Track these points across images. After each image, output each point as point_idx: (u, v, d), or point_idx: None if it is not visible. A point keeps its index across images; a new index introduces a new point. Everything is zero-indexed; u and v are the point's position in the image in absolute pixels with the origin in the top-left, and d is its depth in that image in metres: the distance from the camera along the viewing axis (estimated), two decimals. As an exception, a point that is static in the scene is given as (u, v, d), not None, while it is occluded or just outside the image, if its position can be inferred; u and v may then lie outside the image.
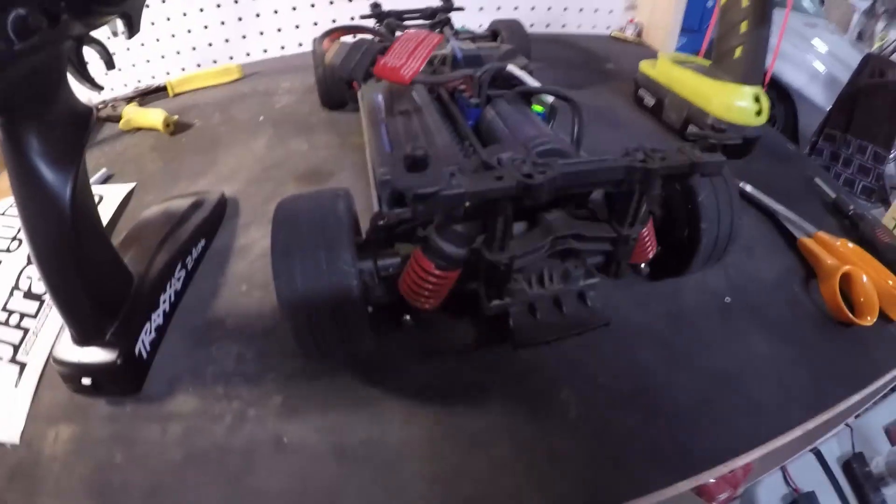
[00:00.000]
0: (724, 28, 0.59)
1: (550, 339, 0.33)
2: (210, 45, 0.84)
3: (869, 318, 0.42)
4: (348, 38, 0.47)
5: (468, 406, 0.35)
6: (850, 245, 0.48)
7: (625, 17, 0.97)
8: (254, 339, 0.40)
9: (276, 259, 0.29)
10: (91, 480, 0.33)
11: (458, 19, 0.72)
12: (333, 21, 0.88)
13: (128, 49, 0.80)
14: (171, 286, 0.43)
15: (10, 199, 0.53)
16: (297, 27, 0.88)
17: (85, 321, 0.35)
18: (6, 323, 0.42)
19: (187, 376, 0.38)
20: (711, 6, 1.22)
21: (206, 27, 0.82)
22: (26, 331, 0.42)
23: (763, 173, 0.59)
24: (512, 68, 0.50)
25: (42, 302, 0.44)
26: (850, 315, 0.42)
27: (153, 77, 0.83)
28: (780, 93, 1.40)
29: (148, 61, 0.82)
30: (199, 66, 0.85)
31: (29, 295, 0.45)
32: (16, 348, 0.41)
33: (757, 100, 0.58)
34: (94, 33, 0.33)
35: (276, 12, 0.86)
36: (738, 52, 0.58)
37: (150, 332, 0.39)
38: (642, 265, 0.40)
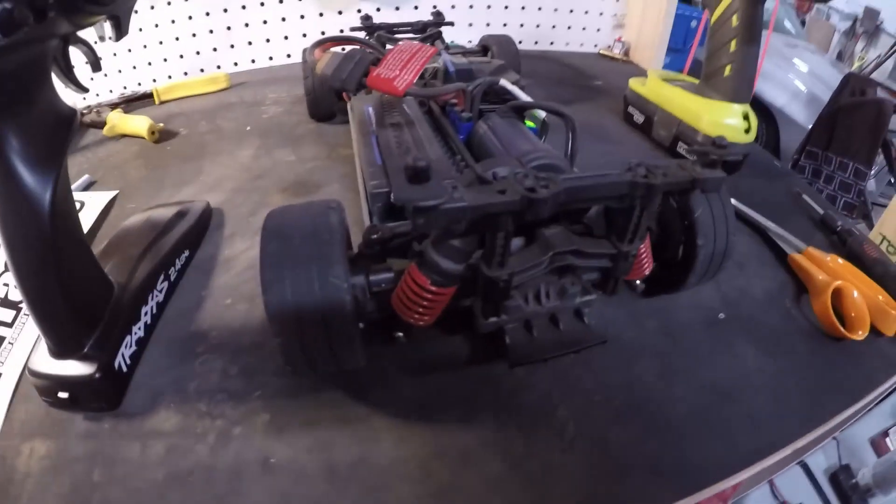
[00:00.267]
0: (714, 46, 0.60)
1: (547, 356, 0.32)
2: (198, 53, 0.83)
3: (860, 332, 0.43)
4: (339, 49, 0.47)
5: (461, 423, 0.34)
6: (840, 261, 0.48)
7: (612, 36, 0.99)
8: (239, 353, 0.39)
9: (265, 271, 0.28)
10: (68, 499, 0.31)
11: (447, 34, 0.73)
12: (322, 33, 0.88)
13: (114, 54, 0.78)
14: (153, 298, 0.41)
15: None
16: (286, 38, 0.88)
17: (62, 332, 0.34)
18: (-21, 333, 0.41)
19: (169, 392, 0.37)
20: (695, 26, 1.25)
21: (194, 35, 0.82)
22: (1, 340, 0.41)
23: (751, 190, 0.60)
24: (504, 83, 0.50)
25: (19, 311, 0.43)
26: (842, 329, 0.43)
27: (139, 84, 0.82)
28: (761, 111, 1.44)
29: (134, 68, 0.81)
30: (185, 74, 0.84)
31: (5, 303, 0.43)
32: (-11, 359, 0.39)
33: (746, 118, 0.60)
34: (82, 34, 0.32)
35: (265, 22, 0.86)
36: (727, 70, 0.59)
37: (131, 345, 0.38)
38: (637, 282, 0.39)
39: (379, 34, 0.66)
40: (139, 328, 0.39)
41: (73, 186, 0.35)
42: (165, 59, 0.82)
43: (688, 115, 0.62)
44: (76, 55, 0.32)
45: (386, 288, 0.32)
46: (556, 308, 0.34)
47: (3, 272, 0.45)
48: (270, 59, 0.88)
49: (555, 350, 0.33)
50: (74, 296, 0.33)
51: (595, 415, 0.35)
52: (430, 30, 0.69)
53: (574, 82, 0.87)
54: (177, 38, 0.81)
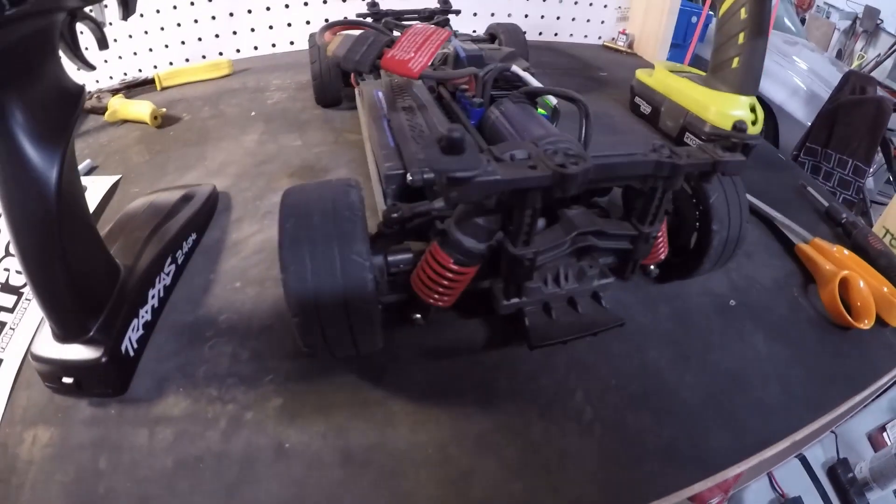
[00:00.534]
0: (722, 39, 0.60)
1: (566, 338, 0.32)
2: (199, 39, 0.82)
3: (866, 321, 0.43)
4: (350, 32, 0.46)
5: (478, 407, 0.34)
6: (846, 252, 0.49)
7: (616, 28, 0.99)
8: (249, 338, 0.38)
9: (284, 250, 0.28)
10: (72, 488, 0.30)
11: (452, 23, 0.72)
12: (326, 20, 0.87)
13: (114, 40, 0.77)
14: (160, 281, 0.40)
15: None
16: (289, 25, 0.87)
17: (68, 315, 0.33)
18: (-21, 317, 0.40)
19: (178, 377, 0.36)
20: (695, 22, 1.25)
21: (196, 21, 0.80)
22: (2, 325, 0.40)
23: (757, 181, 0.60)
24: (516, 69, 0.50)
25: (20, 295, 0.42)
26: (849, 318, 0.43)
27: (140, 70, 0.80)
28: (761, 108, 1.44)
29: (135, 54, 0.79)
30: (187, 60, 0.83)
31: (6, 288, 0.42)
32: (-10, 344, 0.38)
33: (752, 109, 0.60)
34: (89, 10, 0.31)
35: (268, 9, 0.84)
36: (735, 62, 0.59)
37: (138, 328, 0.37)
38: (652, 266, 0.39)
39: (386, 20, 0.65)
40: (146, 312, 0.38)
41: (77, 169, 0.34)
42: (167, 46, 0.81)
43: (695, 105, 0.62)
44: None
45: (404, 269, 0.32)
46: (574, 291, 0.34)
47: (3, 257, 0.44)
48: (273, 45, 0.87)
49: (574, 332, 0.32)
50: (80, 278, 0.32)
51: (610, 400, 0.35)
52: (437, 17, 0.68)
53: (580, 73, 0.87)
54: (178, 24, 0.80)
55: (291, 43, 0.88)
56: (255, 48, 0.87)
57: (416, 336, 0.37)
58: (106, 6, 0.33)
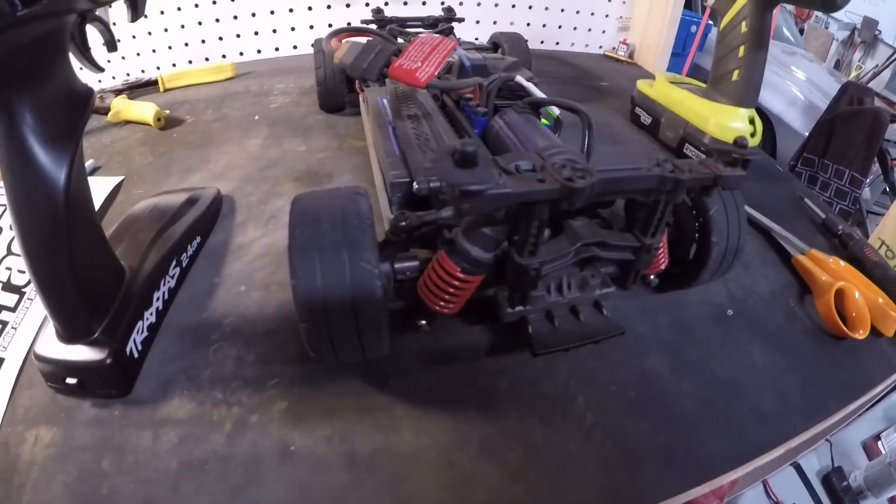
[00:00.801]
0: (723, 51, 0.61)
1: (569, 346, 0.33)
2: (203, 41, 0.82)
3: (861, 331, 0.44)
4: (357, 39, 0.46)
5: (481, 412, 0.34)
6: (842, 263, 0.50)
7: (617, 38, 1.00)
8: (254, 341, 0.38)
9: (294, 256, 0.28)
10: (74, 489, 0.30)
11: (455, 31, 0.73)
12: (329, 25, 0.87)
13: (118, 40, 0.77)
14: (164, 283, 0.40)
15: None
16: (293, 29, 0.87)
17: (73, 316, 0.33)
18: (-18, 317, 0.40)
19: (182, 379, 0.36)
20: (694, 31, 1.27)
21: (199, 23, 0.81)
22: (4, 324, 0.40)
23: (754, 193, 0.61)
24: (520, 79, 0.50)
25: (22, 295, 0.42)
26: (845, 329, 0.44)
27: (142, 71, 0.80)
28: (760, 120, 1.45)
29: (138, 55, 0.79)
30: (190, 62, 0.83)
31: (8, 287, 0.42)
32: (-8, 343, 0.38)
33: (751, 122, 0.61)
34: (100, 12, 0.31)
35: (272, 13, 0.85)
36: (735, 74, 0.60)
37: (143, 330, 0.37)
38: (651, 276, 0.40)
39: (391, 27, 0.66)
40: (151, 314, 0.38)
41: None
42: (170, 47, 0.81)
43: (695, 117, 0.63)
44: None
45: (410, 276, 0.32)
46: (576, 300, 0.34)
47: (5, 255, 0.44)
48: (277, 49, 0.87)
49: (576, 340, 0.33)
50: (86, 279, 0.33)
51: (611, 406, 0.36)
52: (441, 25, 0.69)
53: (580, 82, 0.88)
54: (182, 26, 0.80)
55: (295, 47, 0.88)
56: (259, 52, 0.87)
57: (420, 342, 0.38)
58: (110, 7, 0.34)
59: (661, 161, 0.30)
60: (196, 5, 0.80)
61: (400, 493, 0.30)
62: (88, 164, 0.57)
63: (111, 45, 0.37)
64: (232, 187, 0.54)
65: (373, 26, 0.67)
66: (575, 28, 0.99)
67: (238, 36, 0.85)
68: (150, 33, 0.79)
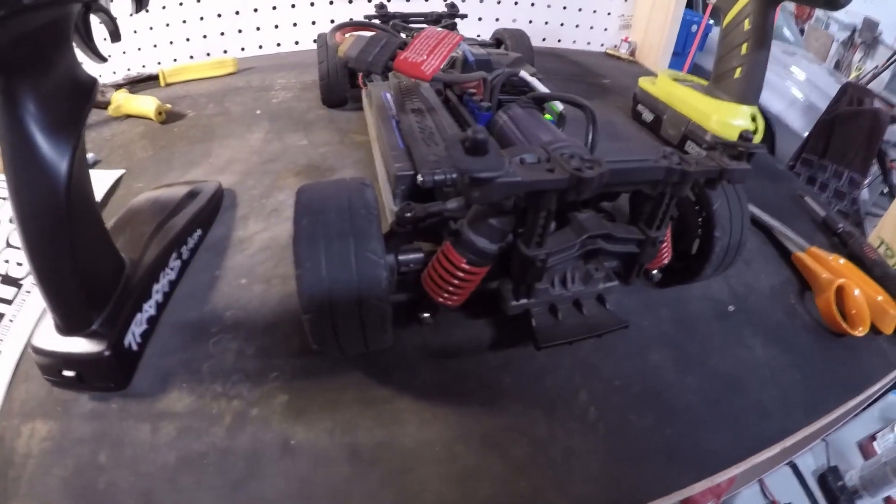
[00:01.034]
0: (725, 49, 0.61)
1: (572, 339, 0.32)
2: (205, 36, 0.82)
3: (861, 328, 0.44)
4: (362, 33, 0.46)
5: (484, 406, 0.34)
6: (842, 261, 0.50)
7: (619, 36, 1.00)
8: (255, 334, 0.38)
9: (299, 246, 0.28)
10: (71, 482, 0.30)
11: (457, 27, 0.73)
12: (332, 21, 0.87)
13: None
14: (164, 276, 0.40)
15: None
16: (295, 25, 0.87)
17: (72, 307, 0.32)
18: (-21, 308, 0.39)
19: (181, 372, 0.36)
20: (695, 31, 1.27)
21: (201, 18, 0.80)
22: (1, 317, 0.39)
23: (755, 190, 0.61)
24: (524, 74, 0.50)
25: (20, 287, 0.41)
26: (845, 326, 0.44)
27: (143, 66, 0.80)
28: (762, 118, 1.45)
29: (139, 49, 0.79)
30: (191, 57, 0.83)
31: (6, 280, 0.42)
32: (-11, 335, 0.38)
33: (753, 119, 0.61)
34: (104, 3, 0.31)
35: (274, 8, 0.85)
36: (737, 72, 0.60)
37: (142, 323, 0.37)
38: (654, 271, 0.40)
39: (394, 23, 0.65)
40: (150, 306, 0.38)
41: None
42: (171, 42, 0.81)
43: (697, 114, 0.63)
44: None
45: (414, 269, 0.32)
46: (580, 293, 0.34)
47: (2, 249, 0.44)
48: (278, 45, 0.87)
49: (579, 333, 0.33)
50: (85, 270, 0.32)
51: (614, 400, 0.36)
52: (444, 21, 0.69)
53: (582, 80, 0.88)
54: (184, 21, 0.80)
55: (296, 42, 0.88)
56: (260, 47, 0.87)
57: (423, 336, 0.38)
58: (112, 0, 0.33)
59: (667, 153, 0.30)
60: (198, 0, 0.79)
61: (403, 486, 0.30)
62: (89, 157, 0.57)
63: (115, 35, 0.37)
64: (233, 181, 0.54)
65: (376, 21, 0.66)
66: (577, 26, 0.99)
67: (240, 31, 0.84)
68: (151, 28, 0.79)
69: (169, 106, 0.66)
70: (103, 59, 0.34)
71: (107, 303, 0.34)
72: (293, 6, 0.85)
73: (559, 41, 1.01)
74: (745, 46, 0.59)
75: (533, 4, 0.95)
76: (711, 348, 0.41)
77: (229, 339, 0.38)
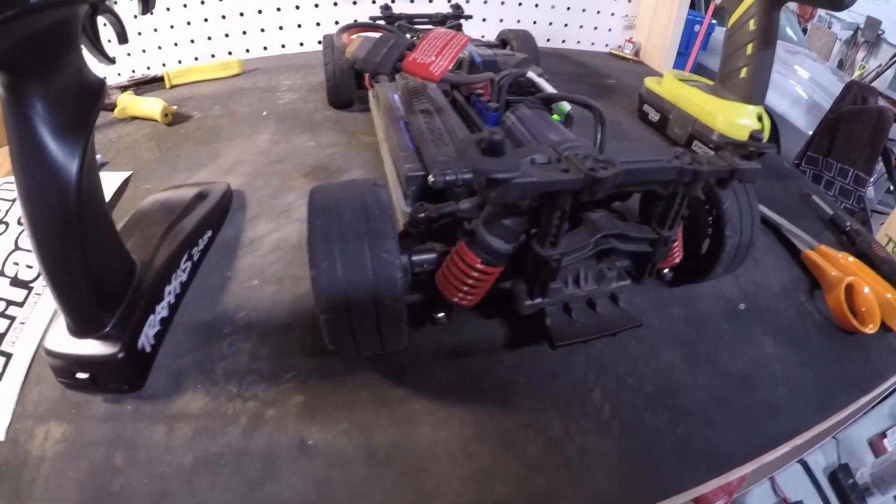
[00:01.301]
0: (731, 49, 0.61)
1: (587, 338, 0.33)
2: (209, 38, 0.82)
3: (871, 326, 0.44)
4: (369, 34, 0.46)
5: (499, 405, 0.34)
6: (850, 259, 0.50)
7: (623, 36, 1.00)
8: (268, 335, 0.38)
9: (314, 246, 0.28)
10: (85, 485, 0.30)
11: (462, 28, 0.73)
12: (336, 23, 0.87)
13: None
14: (176, 277, 0.40)
15: None
16: (299, 26, 0.87)
17: (84, 309, 0.32)
18: (-9, 311, 0.39)
19: (196, 373, 0.36)
20: (697, 31, 1.27)
21: (206, 20, 0.81)
22: (12, 319, 0.39)
23: (762, 189, 0.61)
24: (531, 75, 0.50)
25: (30, 290, 0.41)
26: (855, 323, 0.44)
27: (148, 68, 0.80)
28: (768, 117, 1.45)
29: (144, 51, 0.79)
30: (196, 59, 0.83)
31: (16, 282, 0.42)
32: (0, 337, 0.38)
33: (760, 119, 0.61)
34: (111, 4, 0.31)
35: (278, 10, 0.85)
36: (743, 72, 0.60)
37: (155, 324, 0.37)
38: (666, 270, 0.40)
39: (399, 24, 0.65)
40: (163, 308, 0.38)
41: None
42: (176, 44, 0.81)
43: (703, 114, 0.63)
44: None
45: (427, 269, 0.32)
46: (593, 292, 0.34)
47: (13, 250, 0.44)
48: (283, 46, 0.87)
49: (594, 332, 0.33)
50: (97, 272, 0.32)
51: (628, 399, 0.36)
52: (449, 22, 0.69)
53: (587, 80, 0.88)
54: (188, 23, 0.80)
55: (301, 44, 0.88)
56: (265, 48, 0.87)
57: (437, 336, 0.38)
58: (116, 2, 0.34)
59: (679, 153, 0.30)
60: (202, 2, 0.80)
61: (419, 486, 0.30)
62: (96, 158, 0.57)
63: (122, 37, 0.37)
64: (241, 182, 0.54)
65: (381, 23, 0.66)
66: (581, 26, 1.00)
67: (244, 33, 0.85)
68: (155, 30, 0.79)
69: (175, 107, 0.66)
70: (111, 61, 0.34)
71: (119, 305, 0.34)
72: (297, 7, 0.85)
73: (563, 42, 1.01)
74: (750, 46, 0.59)
75: (537, 5, 0.95)
76: (722, 347, 0.41)
77: (243, 339, 0.38)
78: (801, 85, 1.43)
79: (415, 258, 0.31)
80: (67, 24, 0.28)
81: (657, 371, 0.38)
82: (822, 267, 0.49)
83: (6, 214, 0.47)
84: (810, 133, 1.14)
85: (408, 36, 0.60)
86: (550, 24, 0.98)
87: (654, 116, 0.71)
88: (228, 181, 0.52)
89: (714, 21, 1.21)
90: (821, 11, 2.49)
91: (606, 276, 0.34)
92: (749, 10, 0.59)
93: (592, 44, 1.02)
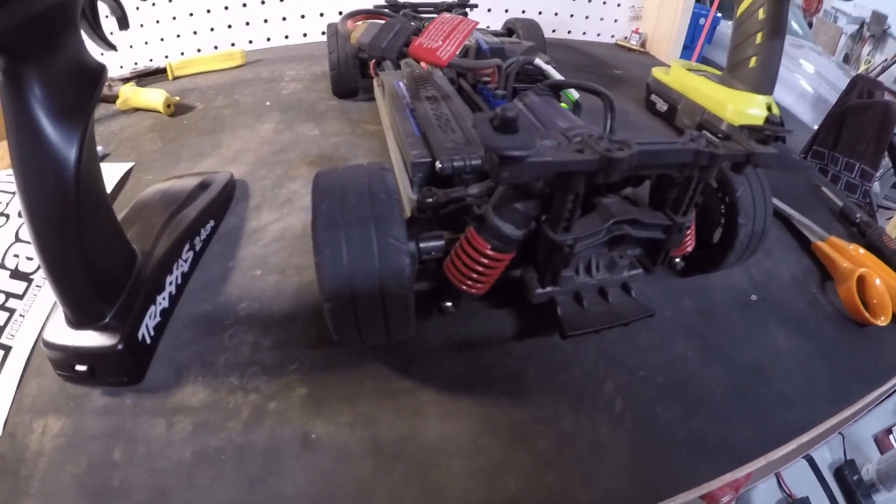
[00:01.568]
0: (740, 38, 0.60)
1: (599, 327, 0.32)
2: (212, 30, 0.81)
3: (883, 318, 0.44)
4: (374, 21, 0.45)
5: (509, 397, 0.33)
6: (861, 250, 0.49)
7: (629, 27, 0.99)
8: (271, 326, 0.37)
9: (319, 231, 0.27)
10: (84, 480, 0.29)
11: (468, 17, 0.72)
12: (340, 13, 0.86)
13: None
14: (177, 267, 0.39)
15: (-1, 172, 0.49)
16: (303, 17, 0.86)
17: (83, 300, 0.32)
18: (-10, 303, 0.39)
19: (196, 366, 0.35)
20: (702, 24, 1.25)
21: (208, 11, 0.80)
22: (12, 312, 0.39)
23: (771, 180, 0.60)
24: (539, 62, 0.50)
25: (30, 282, 0.41)
26: (867, 315, 0.43)
27: (150, 60, 0.79)
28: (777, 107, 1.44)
29: (146, 43, 0.78)
30: (199, 50, 0.82)
31: (16, 274, 0.41)
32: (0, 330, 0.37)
33: (769, 108, 0.60)
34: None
35: (281, 0, 0.84)
36: (752, 61, 0.59)
37: (155, 315, 0.36)
38: (677, 259, 0.39)
39: (405, 12, 0.64)
40: (163, 298, 0.37)
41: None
42: (178, 36, 0.80)
43: (712, 104, 0.62)
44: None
45: (435, 256, 0.31)
46: (605, 281, 0.33)
47: (13, 243, 0.43)
48: (286, 37, 0.86)
49: (606, 321, 0.32)
50: (96, 262, 0.31)
51: (640, 391, 0.35)
52: (454, 10, 0.68)
53: (594, 71, 0.87)
54: (191, 14, 0.79)
55: (305, 35, 0.87)
56: (268, 39, 0.86)
57: (444, 326, 0.37)
58: None
59: (695, 136, 0.29)
60: (204, -7, 0.79)
61: (428, 481, 0.29)
62: (97, 150, 0.56)
63: (123, 22, 0.36)
64: (245, 171, 0.53)
65: (386, 11, 0.66)
66: (587, 17, 0.99)
67: (247, 24, 0.84)
68: (158, 21, 0.78)
69: (177, 98, 0.65)
70: (112, 47, 0.34)
71: (119, 295, 0.34)
72: (300, -2, 0.84)
73: (569, 32, 1.00)
74: (759, 36, 0.58)
75: (542, -5, 0.94)
76: (735, 338, 0.40)
77: (245, 330, 0.37)
78: (807, 79, 1.41)
79: (422, 245, 0.31)
80: (67, 7, 0.27)
81: (669, 362, 0.37)
82: (834, 258, 0.48)
83: (7, 207, 0.46)
84: (816, 127, 1.12)
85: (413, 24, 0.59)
86: (556, 14, 0.97)
87: (661, 106, 0.71)
88: (232, 171, 0.51)
89: (719, 14, 1.20)
90: (826, 5, 2.47)
91: (618, 265, 0.33)
92: (758, -1, 0.58)
93: (598, 35, 1.01)
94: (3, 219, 0.45)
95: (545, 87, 0.46)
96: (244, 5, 0.82)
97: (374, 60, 0.62)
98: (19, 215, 0.45)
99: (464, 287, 0.30)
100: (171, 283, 0.38)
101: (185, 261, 0.40)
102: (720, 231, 0.40)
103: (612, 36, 1.01)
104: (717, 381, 0.37)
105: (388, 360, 0.35)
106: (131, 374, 0.34)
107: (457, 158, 0.33)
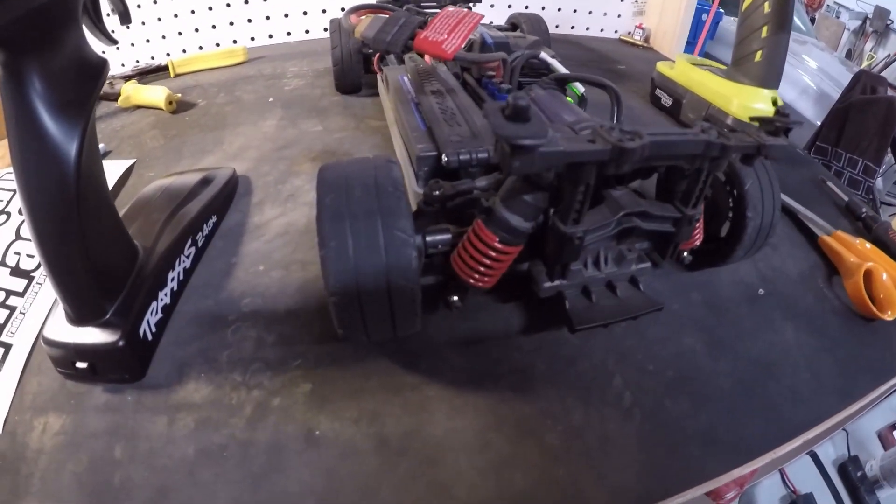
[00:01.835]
0: (745, 32, 0.60)
1: (607, 321, 0.31)
2: (214, 27, 0.81)
3: (890, 312, 0.43)
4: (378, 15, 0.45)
5: (516, 392, 0.33)
6: (867, 245, 0.49)
7: (633, 22, 0.99)
8: (274, 322, 0.37)
9: (324, 225, 0.26)
10: (85, 478, 0.29)
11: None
12: (342, 9, 0.86)
13: (127, 27, 0.76)
14: (179, 263, 0.39)
15: (-1, 169, 0.49)
16: (305, 13, 0.86)
17: (83, 296, 0.31)
18: (-9, 300, 0.38)
19: (199, 362, 0.35)
20: (704, 20, 1.25)
21: (210, 8, 0.79)
22: (12, 309, 0.38)
23: (777, 174, 0.60)
24: (545, 56, 0.49)
25: (31, 280, 0.40)
26: (874, 310, 0.43)
27: (152, 57, 0.79)
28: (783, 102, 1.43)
29: (148, 41, 0.78)
30: (200, 48, 0.82)
31: (16, 272, 0.41)
32: (0, 328, 0.37)
33: (774, 103, 0.59)
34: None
35: (283, -3, 0.83)
36: (758, 55, 0.59)
37: (157, 311, 0.36)
38: (685, 253, 0.39)
39: (408, 7, 0.64)
40: (165, 294, 0.37)
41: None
42: (180, 33, 0.80)
43: (718, 98, 0.62)
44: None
45: (442, 250, 0.31)
46: (613, 275, 0.33)
47: (14, 240, 0.43)
48: (289, 34, 0.86)
49: (615, 315, 0.31)
50: (97, 258, 0.31)
51: (649, 385, 0.35)
52: (458, 5, 0.67)
53: (598, 66, 0.87)
54: (192, 11, 0.79)
55: (307, 31, 0.87)
56: (270, 36, 0.86)
57: (451, 320, 0.36)
58: None
59: (706, 127, 0.29)
60: (205, -10, 0.78)
61: (434, 477, 0.29)
62: (99, 148, 0.56)
63: (124, 16, 0.36)
64: (247, 167, 0.53)
65: (389, 5, 0.65)
66: (590, 12, 0.99)
67: (249, 21, 0.83)
68: (159, 19, 0.78)
69: (179, 95, 0.65)
70: (113, 42, 0.33)
71: (120, 291, 0.33)
72: (302, -6, 0.84)
73: (572, 27, 1.00)
74: (765, 29, 0.58)
75: (545, -9, 0.94)
76: (743, 332, 0.40)
77: (248, 326, 0.36)
78: (810, 74, 1.41)
79: (429, 238, 0.30)
80: (68, 2, 0.27)
81: (678, 356, 0.37)
82: (840, 253, 0.48)
83: (7, 205, 0.46)
84: (819, 123, 1.12)
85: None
86: (559, 9, 0.96)
87: (666, 101, 0.70)
88: (234, 167, 0.51)
89: (721, 10, 1.19)
90: (829, 1, 2.46)
91: (626, 258, 0.33)
92: (764, -9, 0.57)
93: (602, 30, 1.01)
94: (4, 216, 0.44)
95: (551, 81, 0.46)
96: (246, 2, 0.81)
97: (377, 55, 0.61)
98: (20, 213, 0.44)
99: (471, 281, 0.30)
100: (173, 280, 0.38)
101: (188, 257, 0.40)
102: (728, 225, 0.40)
103: (616, 31, 1.01)
104: (725, 376, 0.36)
105: (393, 355, 0.34)
106: (133, 370, 0.33)
107: (463, 152, 0.33)
